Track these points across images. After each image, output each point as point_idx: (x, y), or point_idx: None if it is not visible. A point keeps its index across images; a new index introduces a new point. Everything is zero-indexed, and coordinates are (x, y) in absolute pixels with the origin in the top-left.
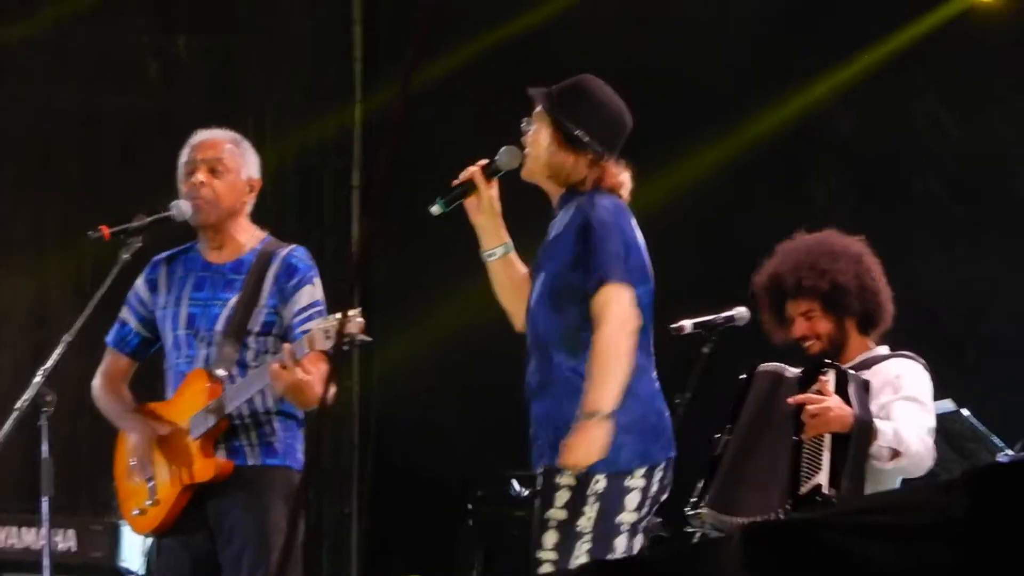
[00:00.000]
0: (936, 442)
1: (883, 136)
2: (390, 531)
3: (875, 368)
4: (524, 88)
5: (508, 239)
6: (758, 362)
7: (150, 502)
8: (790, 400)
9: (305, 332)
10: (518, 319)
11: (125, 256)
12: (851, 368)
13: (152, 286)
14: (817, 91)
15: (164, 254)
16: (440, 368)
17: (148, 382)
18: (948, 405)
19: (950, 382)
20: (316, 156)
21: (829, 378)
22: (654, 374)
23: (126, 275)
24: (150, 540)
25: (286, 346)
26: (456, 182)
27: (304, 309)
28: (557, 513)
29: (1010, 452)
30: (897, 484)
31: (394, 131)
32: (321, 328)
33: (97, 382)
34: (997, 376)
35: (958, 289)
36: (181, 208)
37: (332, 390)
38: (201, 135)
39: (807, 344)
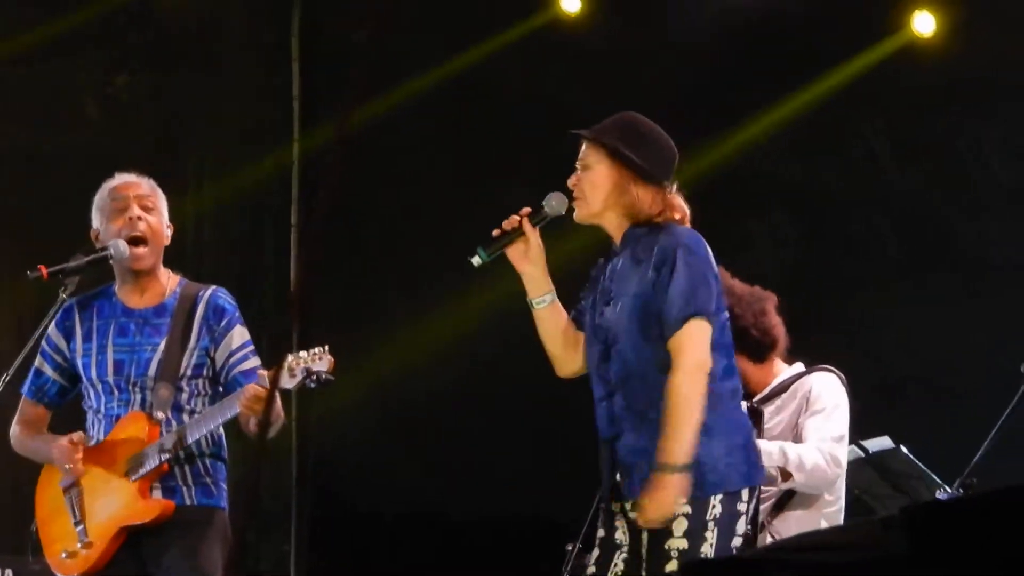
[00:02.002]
0: (872, 477)
1: (825, 175)
2: (329, 570)
3: (792, 388)
4: (464, 125)
5: (552, 287)
6: None
7: (80, 544)
8: None
9: (246, 372)
10: (564, 363)
11: (63, 296)
12: (764, 395)
13: (67, 333)
14: (758, 129)
15: (74, 299)
16: (379, 406)
17: (59, 427)
18: (886, 442)
19: (890, 420)
20: (255, 195)
21: None
22: (740, 395)
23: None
24: None
25: (261, 372)
26: (500, 230)
27: (239, 349)
28: (677, 543)
29: (948, 489)
30: (827, 504)
31: (333, 169)
32: (286, 366)
33: (15, 430)
34: (936, 415)
35: (899, 328)
36: (119, 248)
37: (279, 422)
38: (123, 176)
39: None
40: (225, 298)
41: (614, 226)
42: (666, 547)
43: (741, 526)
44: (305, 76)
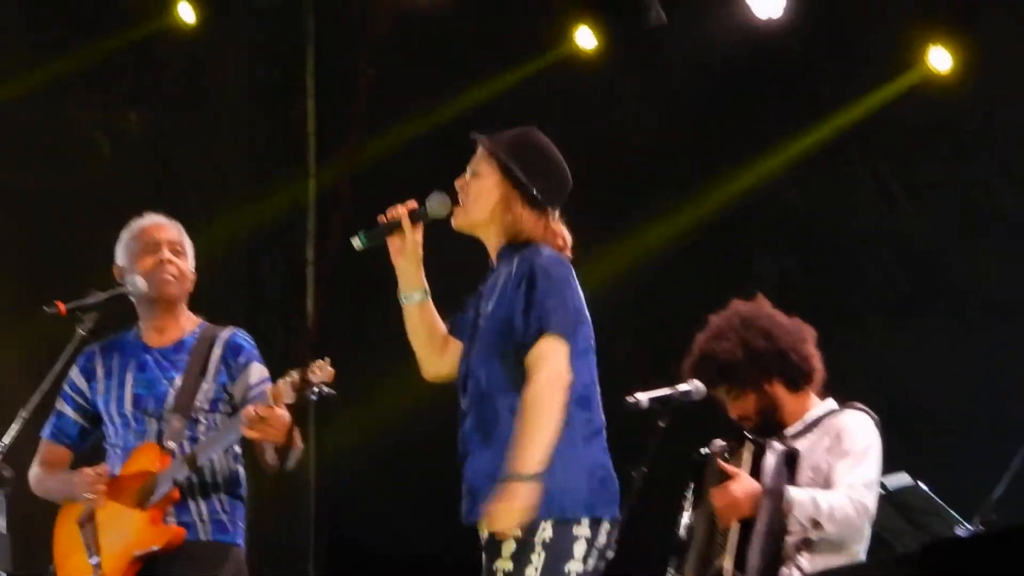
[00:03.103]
0: (891, 514)
1: (832, 212)
2: None
3: (824, 424)
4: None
5: (426, 285)
6: (714, 435)
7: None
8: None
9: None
10: (428, 365)
11: (81, 332)
12: (797, 431)
13: (88, 375)
14: (766, 166)
15: (97, 344)
16: (395, 444)
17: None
18: (905, 479)
19: (904, 457)
20: (271, 232)
21: (744, 457)
22: (603, 433)
23: (82, 350)
24: None
25: (269, 387)
26: (382, 220)
27: (257, 384)
28: (504, 564)
29: (967, 526)
30: (854, 542)
31: (345, 204)
32: (287, 381)
33: (35, 471)
34: (951, 452)
35: (910, 365)
36: (137, 284)
37: (298, 448)
38: (154, 218)
39: (743, 424)
40: (243, 337)
41: (491, 242)
42: (494, 567)
43: (577, 556)
44: (321, 112)
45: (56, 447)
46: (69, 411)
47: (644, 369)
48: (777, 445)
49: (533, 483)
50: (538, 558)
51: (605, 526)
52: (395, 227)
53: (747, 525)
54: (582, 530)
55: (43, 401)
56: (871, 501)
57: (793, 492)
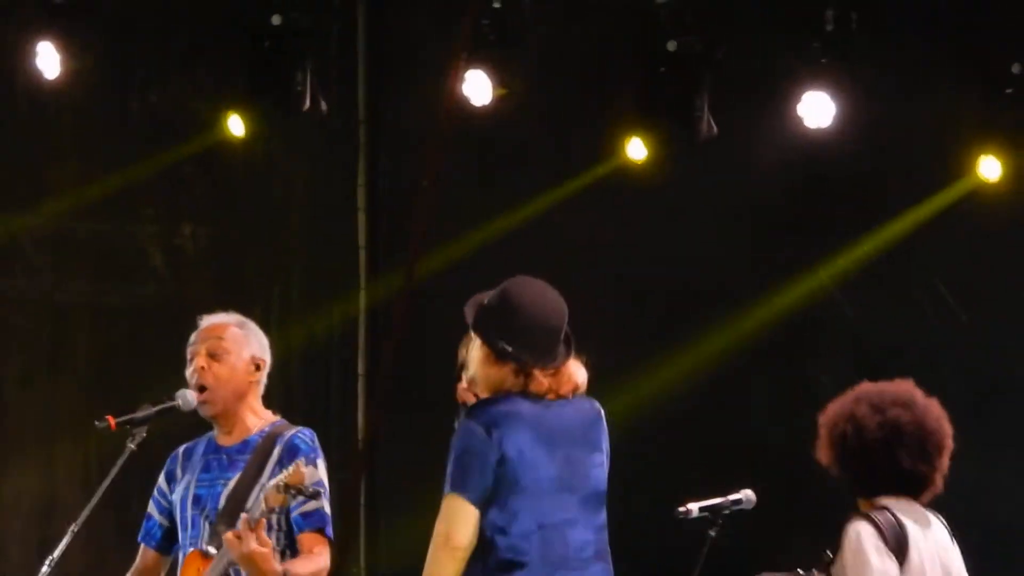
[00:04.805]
0: None
1: (887, 323)
2: None
3: None
4: (530, 271)
5: None
6: (763, 545)
7: None
8: None
9: (305, 514)
10: None
11: (131, 446)
12: None
13: (170, 477)
14: (820, 278)
15: (184, 446)
16: None
17: None
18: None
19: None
20: (322, 345)
21: None
22: (528, 567)
23: (132, 465)
24: None
25: (243, 516)
26: None
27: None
28: None
29: None
30: None
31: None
32: (273, 484)
33: None
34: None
35: (970, 481)
36: (187, 398)
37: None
38: (206, 320)
39: None
40: (305, 438)
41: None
42: None
43: None
44: (371, 226)
45: (146, 551)
46: (155, 513)
47: (701, 479)
48: None
49: None
50: None
51: None
52: None
53: None
54: None
55: (92, 516)
56: None
57: None
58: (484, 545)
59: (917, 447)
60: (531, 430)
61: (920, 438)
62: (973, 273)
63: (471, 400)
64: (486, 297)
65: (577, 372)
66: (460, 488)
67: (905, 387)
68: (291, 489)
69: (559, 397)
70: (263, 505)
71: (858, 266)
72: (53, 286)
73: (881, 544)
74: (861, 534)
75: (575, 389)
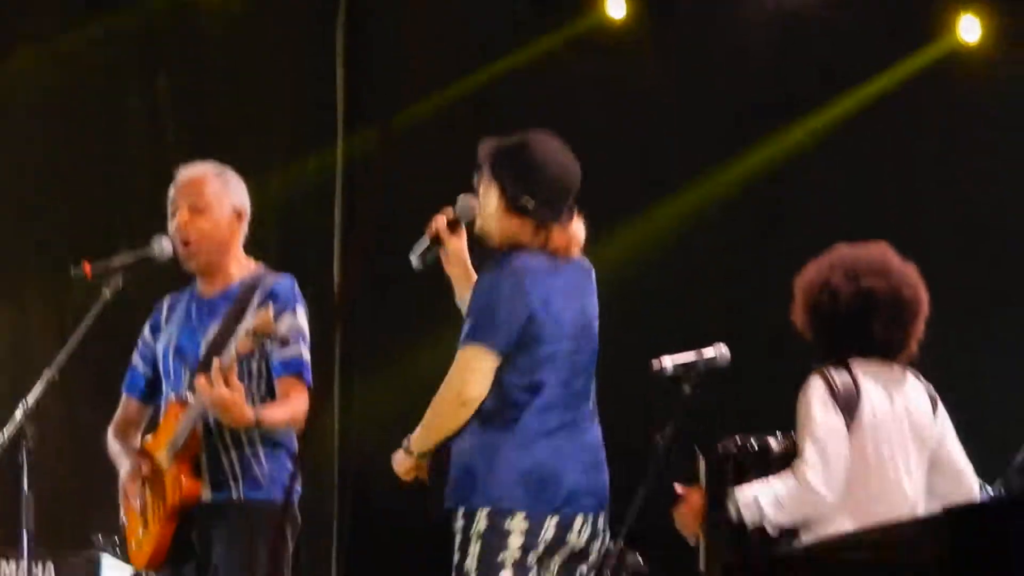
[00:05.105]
0: None
1: (864, 183)
2: (368, 570)
3: None
4: (507, 126)
5: None
6: (736, 401)
7: (142, 534)
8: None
9: (284, 360)
10: None
11: (107, 293)
12: None
13: (154, 328)
14: (796, 136)
15: (168, 297)
16: (421, 409)
17: None
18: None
19: None
20: (299, 198)
21: (700, 467)
22: (557, 435)
23: (108, 312)
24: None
25: (215, 360)
26: (425, 236)
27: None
28: (455, 555)
29: (990, 489)
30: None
31: (376, 172)
32: (242, 330)
33: (109, 429)
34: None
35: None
36: (162, 246)
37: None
38: (184, 172)
39: None
40: (284, 284)
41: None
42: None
43: (512, 547)
44: (350, 80)
45: (129, 400)
46: (139, 362)
47: (676, 333)
48: (739, 447)
49: (410, 459)
50: (474, 547)
51: (549, 523)
52: (437, 244)
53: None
54: (516, 524)
55: (67, 363)
56: (814, 475)
57: (740, 494)
58: (502, 402)
59: (891, 316)
60: (553, 288)
61: (895, 307)
62: (951, 133)
63: (444, 235)
64: (501, 144)
65: (580, 230)
66: (483, 339)
67: (881, 251)
68: (258, 335)
69: (568, 256)
70: (232, 351)
71: (835, 125)
72: (29, 133)
73: (828, 398)
74: (810, 388)
75: (579, 247)
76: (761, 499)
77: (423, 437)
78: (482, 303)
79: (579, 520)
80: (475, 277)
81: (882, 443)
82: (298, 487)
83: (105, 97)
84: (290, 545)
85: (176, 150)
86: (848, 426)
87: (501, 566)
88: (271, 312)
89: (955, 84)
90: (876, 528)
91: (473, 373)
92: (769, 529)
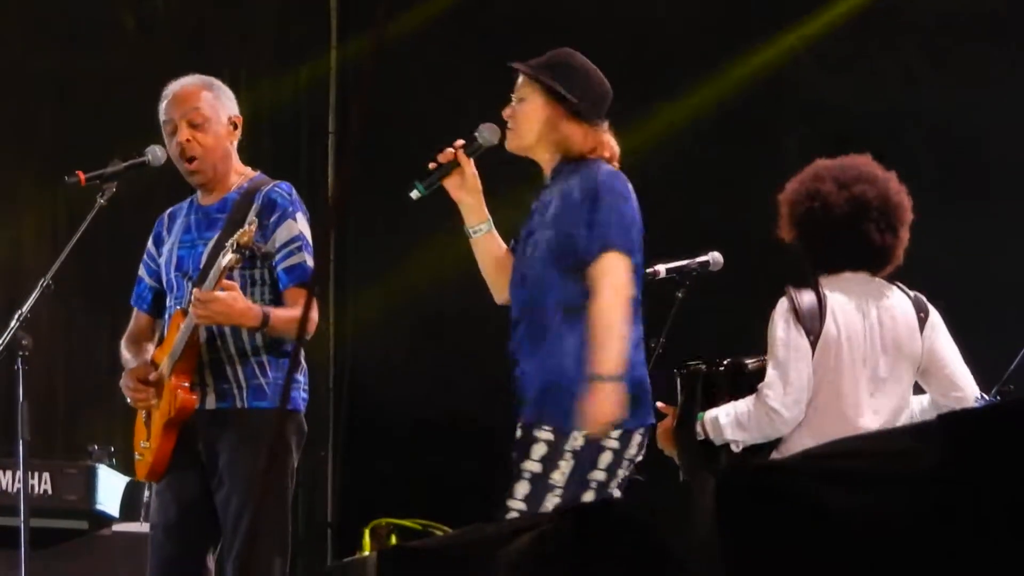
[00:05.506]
0: None
1: (856, 90)
2: (364, 475)
3: None
4: (495, 37)
5: (489, 216)
6: (730, 305)
7: (145, 445)
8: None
9: (288, 268)
10: (499, 292)
11: (101, 201)
12: None
13: (157, 240)
14: (789, 40)
15: (170, 209)
16: (414, 315)
17: None
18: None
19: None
20: (291, 105)
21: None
22: (641, 345)
23: (102, 220)
24: (125, 483)
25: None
26: (436, 163)
27: (285, 244)
28: (532, 465)
29: (985, 396)
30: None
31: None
32: (228, 244)
33: (121, 342)
34: (968, 323)
35: (935, 252)
36: (156, 153)
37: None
38: (173, 87)
39: None
40: (281, 192)
41: (545, 160)
42: (522, 467)
43: (605, 460)
44: None
45: (139, 314)
46: (145, 276)
47: (669, 239)
48: (715, 370)
49: (616, 383)
50: (567, 464)
51: (636, 438)
52: (451, 168)
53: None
54: (611, 442)
55: (62, 271)
56: (771, 393)
57: (708, 420)
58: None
59: (883, 220)
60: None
61: (886, 211)
62: (940, 41)
63: (461, 156)
64: (541, 59)
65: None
66: (623, 248)
67: (864, 161)
68: (242, 248)
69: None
70: (219, 267)
71: (826, 30)
72: (23, 51)
73: (791, 316)
74: (777, 308)
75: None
76: (721, 419)
77: (612, 352)
78: (620, 212)
79: (644, 435)
80: (485, 205)
81: (843, 358)
82: (304, 395)
83: (99, 13)
84: (295, 454)
85: (169, 60)
86: (813, 344)
87: (587, 486)
88: (254, 227)
89: None
90: (870, 436)
91: (629, 275)
92: (733, 447)
